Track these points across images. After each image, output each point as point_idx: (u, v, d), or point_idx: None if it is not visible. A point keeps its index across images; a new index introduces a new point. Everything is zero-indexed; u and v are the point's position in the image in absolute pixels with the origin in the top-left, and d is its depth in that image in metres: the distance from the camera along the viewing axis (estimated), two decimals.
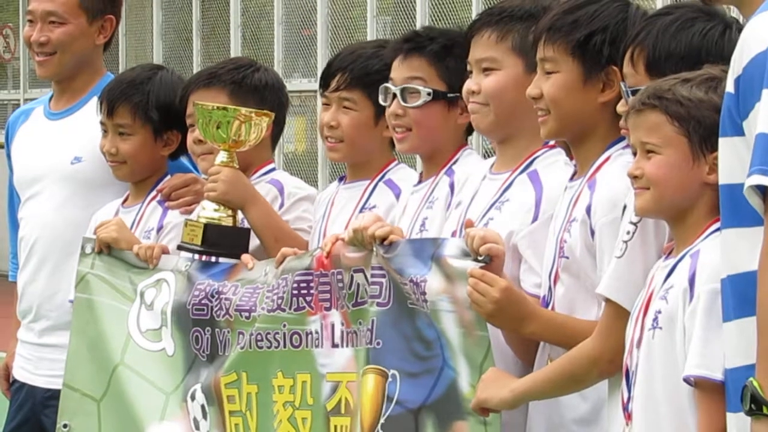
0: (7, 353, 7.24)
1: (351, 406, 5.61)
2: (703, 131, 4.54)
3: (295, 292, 5.81)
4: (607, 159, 5.05)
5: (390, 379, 5.47)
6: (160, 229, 6.54)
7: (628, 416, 4.69)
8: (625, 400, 4.72)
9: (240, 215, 6.30)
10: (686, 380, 4.45)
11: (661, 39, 4.91)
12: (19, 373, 7.08)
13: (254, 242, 6.41)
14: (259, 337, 5.88)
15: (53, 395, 6.52)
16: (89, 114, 6.93)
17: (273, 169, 6.49)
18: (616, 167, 4.97)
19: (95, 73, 7.20)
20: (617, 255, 4.82)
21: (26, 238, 7.10)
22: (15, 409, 7.13)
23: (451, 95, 5.86)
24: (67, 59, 7.14)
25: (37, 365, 6.94)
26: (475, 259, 5.18)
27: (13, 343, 7.19)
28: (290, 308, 5.81)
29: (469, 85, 5.52)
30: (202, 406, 6.02)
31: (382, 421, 5.48)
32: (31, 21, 7.25)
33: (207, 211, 6.13)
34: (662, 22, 5.04)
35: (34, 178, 7.13)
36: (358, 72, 6.16)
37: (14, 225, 7.32)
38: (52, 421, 6.50)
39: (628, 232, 4.82)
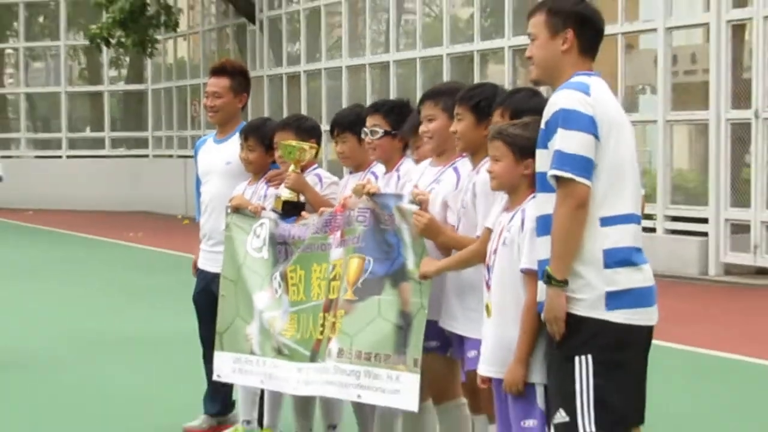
0: (195, 255, 7.24)
1: (340, 275, 5.65)
2: (521, 150, 4.54)
3: (324, 224, 5.85)
4: (485, 162, 4.91)
5: (367, 261, 5.47)
6: (265, 197, 6.48)
7: (488, 287, 4.68)
8: (487, 279, 4.71)
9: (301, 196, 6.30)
10: (521, 270, 4.47)
11: (521, 103, 4.88)
12: (201, 265, 7.09)
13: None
14: (306, 247, 5.92)
15: (215, 276, 6.47)
16: (235, 141, 6.84)
17: (316, 167, 6.51)
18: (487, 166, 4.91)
19: (237, 121, 7.13)
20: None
21: (204, 201, 7.06)
22: (198, 282, 7.12)
23: (394, 132, 5.91)
24: (224, 115, 7.06)
25: (209, 261, 6.89)
26: (414, 204, 5.23)
27: (197, 250, 7.19)
28: (321, 232, 5.84)
29: (422, 128, 5.49)
30: (279, 282, 6.03)
31: (361, 280, 5.48)
32: (206, 96, 7.19)
33: (284, 193, 6.18)
34: (519, 95, 5.06)
35: (208, 172, 7.09)
36: (347, 125, 6.23)
37: (198, 194, 7.24)
38: (215, 288, 6.48)
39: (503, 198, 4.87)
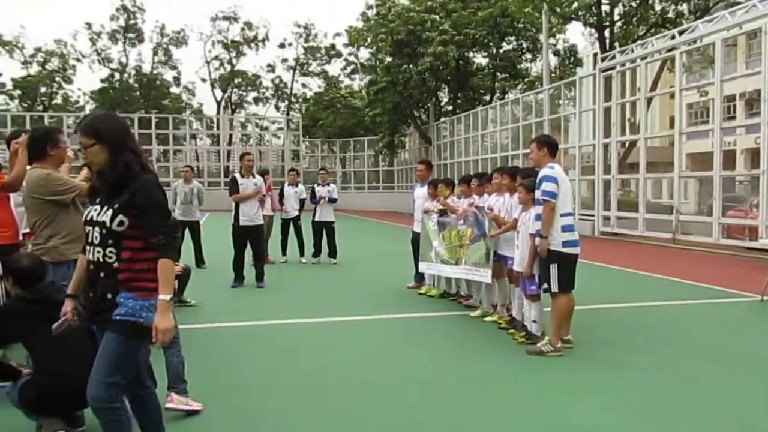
0: (411, 226, 6.65)
1: (465, 234, 5.29)
2: (529, 190, 4.11)
3: (457, 217, 5.50)
4: (516, 194, 4.59)
5: (473, 231, 5.17)
6: (435, 206, 6.05)
7: (517, 238, 4.35)
8: (517, 235, 4.37)
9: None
10: (530, 234, 4.12)
11: (529, 172, 4.35)
12: (414, 229, 6.49)
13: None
14: (451, 226, 5.57)
15: (418, 233, 6.16)
16: (425, 187, 6.41)
17: (450, 196, 5.99)
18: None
19: (427, 179, 6.58)
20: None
21: (415, 207, 6.53)
22: (412, 235, 6.59)
23: (482, 183, 5.50)
24: (423, 178, 6.61)
25: (415, 227, 6.45)
26: (489, 210, 4.86)
27: (413, 224, 6.54)
28: (455, 220, 5.50)
29: (493, 182, 5.11)
30: (441, 237, 5.69)
31: (472, 237, 5.18)
32: (416, 171, 6.82)
33: (440, 206, 5.80)
34: (527, 169, 4.56)
35: (416, 197, 6.55)
36: (465, 180, 5.77)
37: (413, 205, 6.55)
38: (418, 238, 6.15)
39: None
